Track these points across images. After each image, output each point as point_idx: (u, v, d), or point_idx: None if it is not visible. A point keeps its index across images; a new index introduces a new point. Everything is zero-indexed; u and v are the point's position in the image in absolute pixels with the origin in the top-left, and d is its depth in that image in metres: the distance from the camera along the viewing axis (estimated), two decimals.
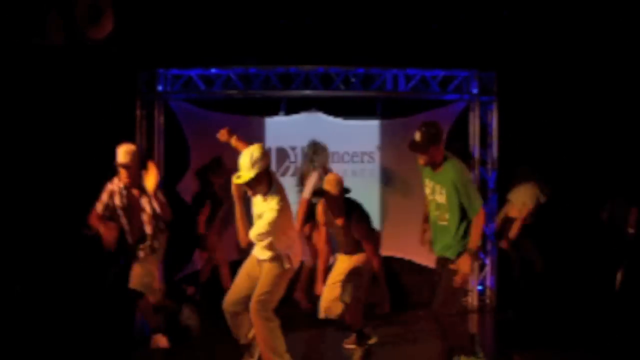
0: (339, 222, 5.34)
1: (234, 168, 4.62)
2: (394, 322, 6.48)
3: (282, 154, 7.60)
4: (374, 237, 5.54)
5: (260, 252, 4.78)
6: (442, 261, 4.66)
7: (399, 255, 7.45)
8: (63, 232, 6.36)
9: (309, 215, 6.53)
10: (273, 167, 7.60)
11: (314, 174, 6.71)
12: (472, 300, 7.33)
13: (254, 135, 7.56)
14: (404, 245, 7.42)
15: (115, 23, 5.72)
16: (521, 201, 6.89)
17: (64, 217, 6.31)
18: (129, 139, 7.10)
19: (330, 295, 5.43)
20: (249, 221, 4.69)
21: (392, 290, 7.28)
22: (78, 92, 6.78)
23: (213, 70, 7.25)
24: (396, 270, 7.45)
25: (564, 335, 6.04)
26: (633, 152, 7.18)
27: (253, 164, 4.42)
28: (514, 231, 6.93)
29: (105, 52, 6.41)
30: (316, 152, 6.81)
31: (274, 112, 7.46)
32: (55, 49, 5.81)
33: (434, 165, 4.56)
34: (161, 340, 5.53)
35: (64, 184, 6.55)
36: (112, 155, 6.84)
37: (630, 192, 6.95)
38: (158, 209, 5.41)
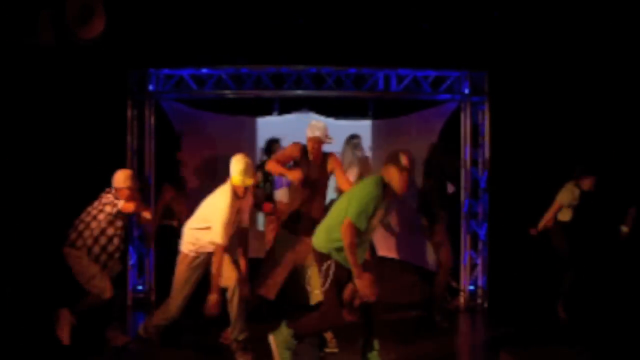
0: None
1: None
2: (386, 322, 6.49)
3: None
4: None
5: None
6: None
7: (391, 255, 7.47)
8: (53, 232, 6.32)
9: None
10: None
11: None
12: (464, 300, 7.36)
13: (245, 136, 7.59)
14: (397, 246, 7.45)
15: (106, 23, 5.70)
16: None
17: (54, 217, 6.28)
18: (120, 139, 7.15)
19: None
20: None
21: (387, 290, 7.38)
22: (69, 92, 6.75)
23: (204, 70, 7.23)
24: (389, 271, 7.47)
25: (555, 333, 6.08)
26: (626, 150, 7.24)
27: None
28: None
29: (96, 52, 6.38)
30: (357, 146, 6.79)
31: (265, 112, 7.46)
32: (46, 49, 5.78)
33: None
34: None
35: (55, 184, 6.52)
36: (103, 155, 6.86)
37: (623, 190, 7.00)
38: None
